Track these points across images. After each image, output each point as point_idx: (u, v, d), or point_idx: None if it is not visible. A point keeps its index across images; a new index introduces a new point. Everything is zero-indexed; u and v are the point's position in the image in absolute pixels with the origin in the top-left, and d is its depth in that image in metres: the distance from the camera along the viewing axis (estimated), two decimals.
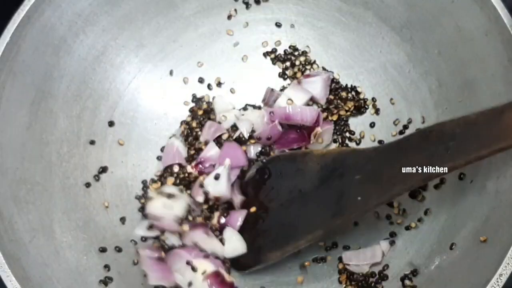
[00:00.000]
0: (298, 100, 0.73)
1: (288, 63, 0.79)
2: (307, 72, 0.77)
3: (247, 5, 0.78)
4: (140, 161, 0.74)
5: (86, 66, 0.71)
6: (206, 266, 0.65)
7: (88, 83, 0.71)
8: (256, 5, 0.78)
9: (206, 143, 0.72)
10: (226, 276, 0.65)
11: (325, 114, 0.75)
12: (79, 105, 0.70)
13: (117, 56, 0.74)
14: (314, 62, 0.79)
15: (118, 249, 0.67)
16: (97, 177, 0.70)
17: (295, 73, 0.78)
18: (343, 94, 0.76)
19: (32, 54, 0.64)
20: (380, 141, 0.74)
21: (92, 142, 0.71)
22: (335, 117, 0.75)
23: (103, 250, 0.66)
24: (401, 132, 0.73)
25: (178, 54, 0.78)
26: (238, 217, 0.69)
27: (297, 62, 0.78)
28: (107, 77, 0.73)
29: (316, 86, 0.74)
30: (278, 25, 0.79)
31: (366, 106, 0.76)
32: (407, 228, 0.67)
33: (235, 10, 0.79)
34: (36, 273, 0.58)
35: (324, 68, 0.78)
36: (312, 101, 0.76)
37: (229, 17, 0.79)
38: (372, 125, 0.76)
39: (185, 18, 0.77)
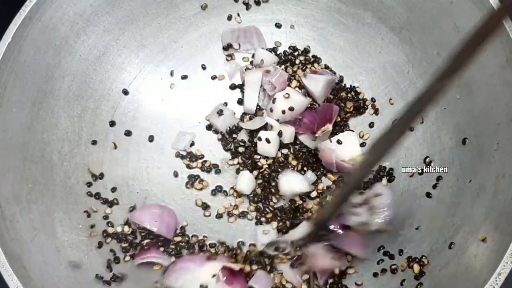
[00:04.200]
0: (296, 97, 0.74)
1: (288, 64, 0.79)
2: (308, 70, 0.78)
3: (247, 6, 0.79)
4: (141, 161, 0.75)
5: (87, 66, 0.71)
6: (214, 268, 0.65)
7: (89, 83, 0.71)
8: (256, 6, 0.79)
9: None
10: (234, 266, 0.65)
11: None
12: (80, 105, 0.71)
13: (118, 57, 0.74)
14: (314, 61, 0.79)
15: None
16: (98, 177, 0.71)
17: (295, 72, 0.78)
18: (343, 94, 0.76)
19: (34, 54, 0.64)
20: None
21: (94, 142, 0.71)
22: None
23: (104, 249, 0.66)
24: None
25: (179, 55, 0.78)
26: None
27: (297, 61, 0.78)
28: (108, 77, 0.74)
29: (318, 84, 0.75)
30: (278, 25, 0.80)
31: (366, 106, 0.77)
32: None
33: (236, 11, 0.79)
34: (38, 272, 0.58)
35: (326, 66, 0.78)
36: (312, 100, 0.76)
37: (229, 17, 0.79)
38: (371, 125, 0.76)
39: (185, 19, 0.77)
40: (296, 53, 0.79)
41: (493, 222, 0.57)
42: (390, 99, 0.75)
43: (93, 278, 0.64)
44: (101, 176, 0.71)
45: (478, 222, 0.59)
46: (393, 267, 0.66)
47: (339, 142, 0.72)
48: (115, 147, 0.73)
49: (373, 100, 0.76)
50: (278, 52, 0.80)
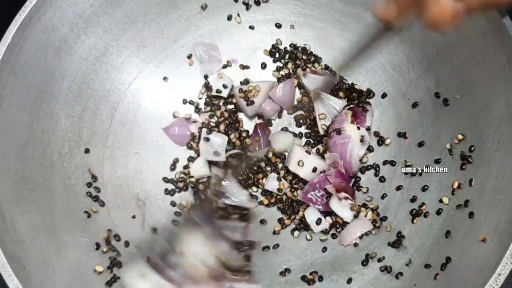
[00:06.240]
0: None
1: (288, 62, 0.79)
2: (308, 70, 0.78)
3: (247, 6, 0.79)
4: (141, 161, 0.75)
5: (87, 66, 0.71)
6: None
7: (89, 84, 0.71)
8: (256, 6, 0.79)
9: None
10: None
11: None
12: (80, 105, 0.71)
13: (118, 57, 0.74)
14: (314, 61, 0.79)
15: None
16: (98, 177, 0.71)
17: (295, 70, 0.78)
18: (342, 94, 0.76)
19: (34, 55, 0.64)
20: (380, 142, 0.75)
21: (93, 143, 0.71)
22: None
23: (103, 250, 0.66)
24: (399, 134, 0.73)
25: (179, 55, 0.78)
26: None
27: (298, 61, 0.78)
28: (108, 78, 0.74)
29: (318, 85, 0.75)
30: (278, 25, 0.80)
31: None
32: None
33: (236, 11, 0.79)
34: (38, 272, 0.58)
35: (326, 66, 0.78)
36: (310, 100, 0.76)
37: (229, 18, 0.79)
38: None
39: (185, 19, 0.77)
40: (296, 52, 0.79)
41: (493, 222, 0.57)
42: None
43: (93, 279, 0.64)
44: (101, 176, 0.71)
45: (478, 222, 0.59)
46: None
47: None
48: (115, 147, 0.73)
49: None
50: (279, 49, 0.80)
